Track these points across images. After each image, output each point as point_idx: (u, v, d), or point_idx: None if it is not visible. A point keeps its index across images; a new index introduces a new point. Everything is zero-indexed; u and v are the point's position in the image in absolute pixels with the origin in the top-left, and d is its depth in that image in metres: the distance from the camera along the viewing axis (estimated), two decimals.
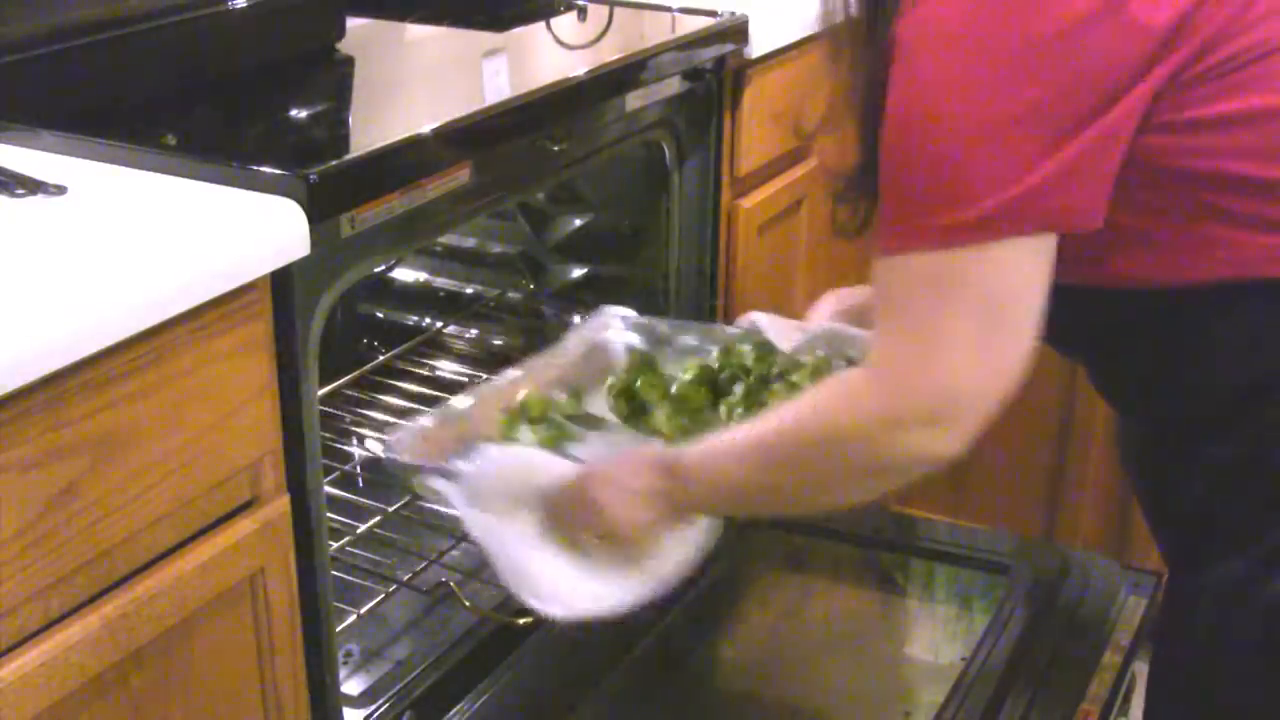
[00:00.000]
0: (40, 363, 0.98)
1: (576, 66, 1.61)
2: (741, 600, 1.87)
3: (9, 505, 1.00)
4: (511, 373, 1.67)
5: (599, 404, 1.62)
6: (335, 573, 1.44)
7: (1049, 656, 1.60)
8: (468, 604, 1.51)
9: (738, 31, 1.82)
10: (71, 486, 1.04)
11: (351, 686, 1.57)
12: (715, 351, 1.65)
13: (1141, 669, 1.54)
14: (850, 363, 1.58)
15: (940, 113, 1.06)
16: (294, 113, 1.58)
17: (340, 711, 1.41)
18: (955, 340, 1.08)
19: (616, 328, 1.77)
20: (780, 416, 1.21)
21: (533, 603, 1.31)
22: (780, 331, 1.68)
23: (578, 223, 2.06)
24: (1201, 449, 1.17)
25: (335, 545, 1.53)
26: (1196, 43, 1.04)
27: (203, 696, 1.21)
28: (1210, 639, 1.20)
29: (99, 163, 1.27)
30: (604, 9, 1.87)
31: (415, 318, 2.15)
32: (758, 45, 1.86)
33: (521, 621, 1.53)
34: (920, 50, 1.07)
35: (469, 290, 2.14)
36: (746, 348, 1.65)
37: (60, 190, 1.19)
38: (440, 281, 2.17)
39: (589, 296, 2.01)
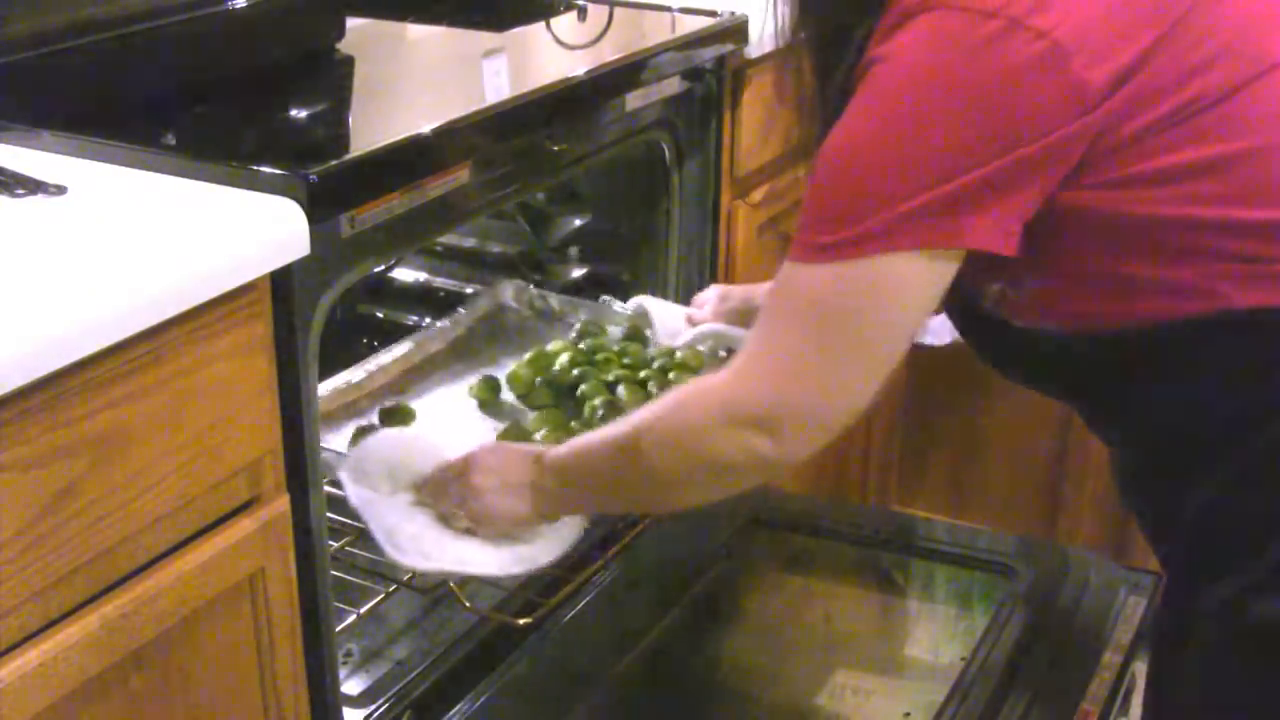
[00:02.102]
0: (40, 363, 0.98)
1: (576, 66, 1.61)
2: (741, 600, 1.87)
3: (9, 505, 1.00)
4: (400, 346, 1.85)
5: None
6: (335, 572, 1.44)
7: (1049, 656, 1.60)
8: (468, 604, 1.52)
9: (738, 31, 1.82)
10: (71, 486, 1.04)
11: (351, 686, 1.57)
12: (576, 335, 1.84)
13: (1142, 669, 1.54)
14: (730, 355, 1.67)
15: (863, 136, 1.09)
16: (294, 113, 1.58)
17: (340, 711, 1.41)
18: (802, 355, 1.13)
19: (508, 300, 1.99)
20: (640, 414, 1.27)
21: (395, 556, 1.39)
22: (666, 322, 1.78)
23: (578, 223, 2.06)
24: (1191, 479, 1.18)
25: (335, 545, 1.53)
26: (1139, 95, 1.05)
27: (203, 696, 1.21)
28: (1202, 658, 1.20)
29: (99, 163, 1.27)
30: (604, 9, 1.87)
31: (415, 318, 2.15)
32: (758, 45, 1.86)
33: (521, 622, 1.53)
34: (876, 78, 1.09)
35: (469, 290, 2.14)
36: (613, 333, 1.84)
37: (60, 190, 1.19)
38: (440, 281, 2.17)
39: (589, 296, 2.01)
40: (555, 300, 1.97)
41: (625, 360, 1.76)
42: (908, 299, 1.11)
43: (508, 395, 1.77)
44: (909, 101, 1.08)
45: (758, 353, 1.17)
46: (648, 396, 1.67)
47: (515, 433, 1.64)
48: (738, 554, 1.87)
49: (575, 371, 1.75)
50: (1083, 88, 1.04)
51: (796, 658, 1.79)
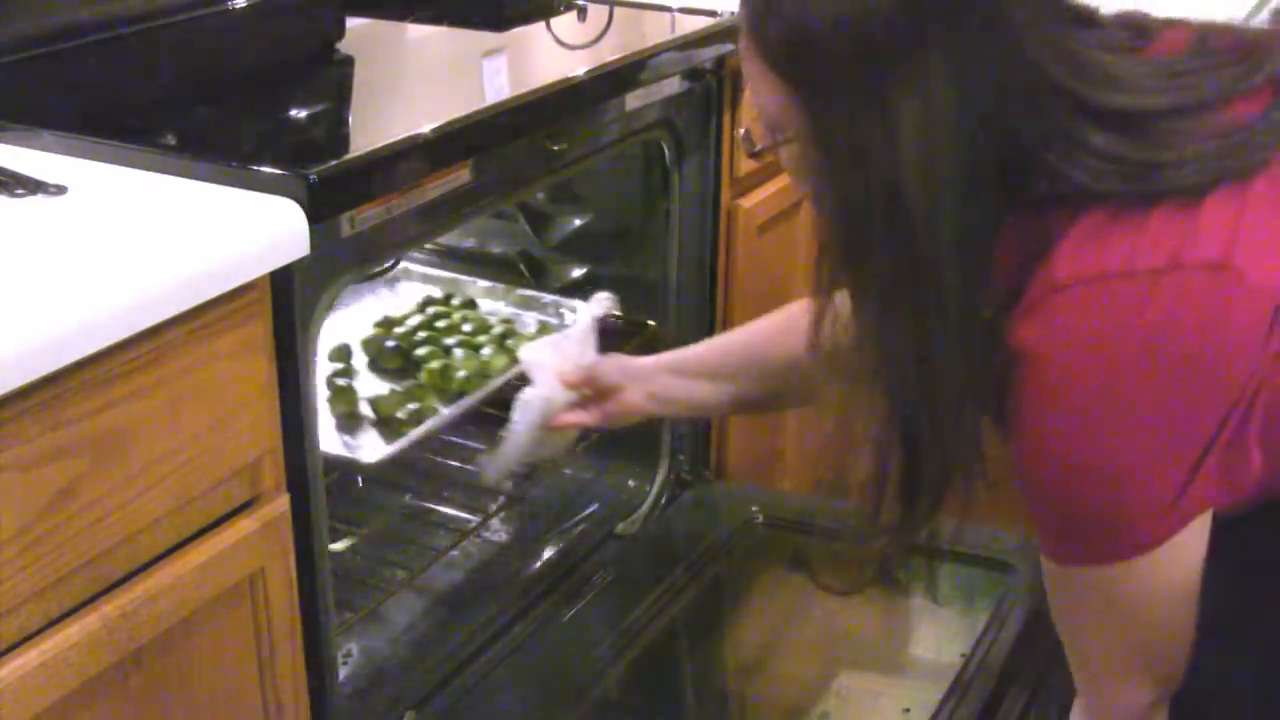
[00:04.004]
0: (40, 363, 0.98)
1: (576, 66, 1.61)
2: (741, 600, 1.87)
3: (9, 505, 1.00)
4: None
5: None
6: (335, 572, 1.44)
7: (1048, 653, 1.59)
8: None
9: (738, 32, 1.82)
10: (71, 486, 1.04)
11: (351, 686, 1.57)
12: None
13: None
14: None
15: (1105, 447, 1.04)
16: (294, 113, 1.58)
17: (340, 712, 1.41)
18: (1135, 643, 1.13)
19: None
20: None
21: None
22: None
23: (578, 223, 2.06)
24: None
25: (335, 545, 1.53)
26: None
27: (203, 696, 1.21)
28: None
29: (99, 163, 1.27)
30: (604, 9, 1.87)
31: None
32: None
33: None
34: (1052, 382, 1.04)
35: None
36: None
37: (60, 190, 1.19)
38: None
39: (589, 297, 2.01)
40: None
41: (465, 328, 1.86)
42: (1190, 555, 1.08)
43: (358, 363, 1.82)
44: (1133, 397, 1.01)
45: (1086, 678, 1.18)
46: (483, 362, 1.76)
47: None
48: (738, 554, 1.87)
49: (419, 335, 1.83)
50: (1265, 295, 1.00)
51: (797, 657, 1.79)
